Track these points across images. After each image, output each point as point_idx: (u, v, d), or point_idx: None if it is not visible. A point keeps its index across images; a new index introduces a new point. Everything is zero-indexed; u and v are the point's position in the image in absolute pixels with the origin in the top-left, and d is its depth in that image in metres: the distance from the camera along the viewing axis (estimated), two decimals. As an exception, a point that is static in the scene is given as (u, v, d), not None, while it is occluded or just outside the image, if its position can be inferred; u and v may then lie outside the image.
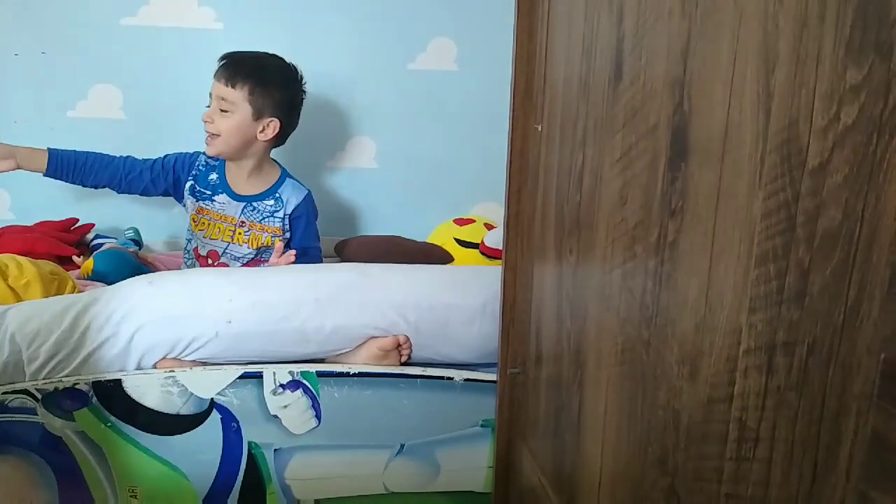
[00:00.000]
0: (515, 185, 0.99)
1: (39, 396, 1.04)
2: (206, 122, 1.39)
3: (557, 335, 0.88)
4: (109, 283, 1.28)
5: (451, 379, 1.13)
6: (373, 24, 1.70)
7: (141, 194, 1.48)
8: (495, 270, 1.24)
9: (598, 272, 0.75)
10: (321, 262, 1.49)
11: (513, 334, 1.04)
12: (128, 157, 1.46)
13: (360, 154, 1.78)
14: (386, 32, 1.71)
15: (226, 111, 1.37)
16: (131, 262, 1.42)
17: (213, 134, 1.38)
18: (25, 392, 1.04)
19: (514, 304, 1.02)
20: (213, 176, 1.45)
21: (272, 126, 1.40)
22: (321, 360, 1.14)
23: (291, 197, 1.46)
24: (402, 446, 1.14)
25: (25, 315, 1.07)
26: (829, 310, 0.42)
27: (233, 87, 1.36)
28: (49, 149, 1.38)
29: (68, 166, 1.39)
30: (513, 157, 0.99)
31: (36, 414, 1.05)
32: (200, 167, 1.46)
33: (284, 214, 1.45)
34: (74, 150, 1.41)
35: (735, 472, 0.52)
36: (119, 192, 1.47)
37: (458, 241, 1.64)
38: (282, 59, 1.45)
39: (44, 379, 1.05)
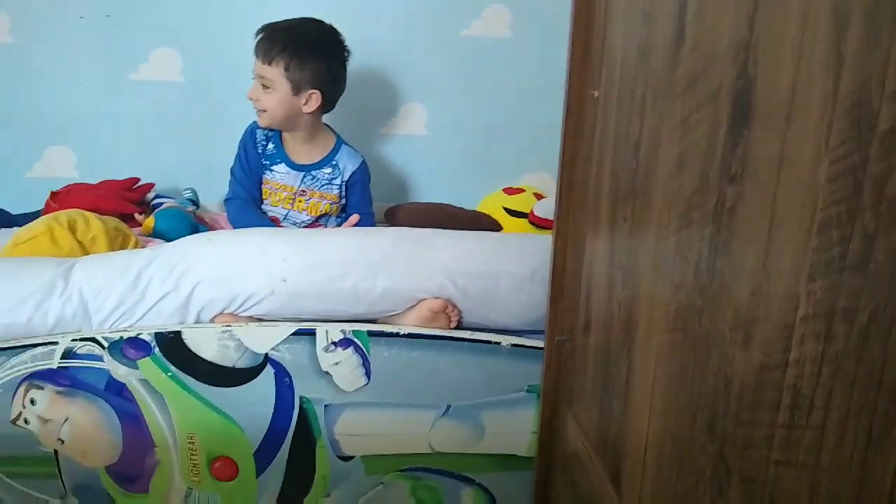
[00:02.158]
0: (570, 152, 0.98)
1: (106, 344, 1.09)
2: (251, 99, 1.40)
3: (608, 303, 0.88)
4: (169, 241, 1.32)
5: (499, 344, 1.14)
6: (427, -11, 1.69)
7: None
8: (545, 238, 1.24)
9: (653, 239, 0.74)
10: (374, 227, 1.51)
11: (561, 302, 1.04)
12: (236, 187, 1.47)
13: (412, 121, 1.79)
14: (440, -2, 1.70)
15: (267, 88, 1.38)
16: (190, 221, 1.46)
17: (261, 110, 1.40)
18: (93, 340, 1.09)
19: (563, 271, 1.02)
20: (271, 146, 1.47)
21: (314, 98, 1.40)
22: (372, 321, 1.17)
23: (348, 164, 1.48)
24: (449, 407, 1.17)
25: (93, 268, 1.13)
26: (894, 276, 0.41)
27: (269, 63, 1.36)
28: None
29: None
30: (568, 124, 0.98)
31: (102, 361, 1.10)
32: (261, 141, 1.47)
33: (342, 181, 1.48)
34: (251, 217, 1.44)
35: (786, 438, 0.52)
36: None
37: (507, 210, 1.64)
38: (319, 23, 1.43)
39: (109, 328, 1.11)
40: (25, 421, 1.11)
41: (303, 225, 1.48)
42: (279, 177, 1.46)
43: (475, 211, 1.67)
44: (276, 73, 1.37)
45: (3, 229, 1.49)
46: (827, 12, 0.47)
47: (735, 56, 0.58)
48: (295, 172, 1.46)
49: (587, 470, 0.96)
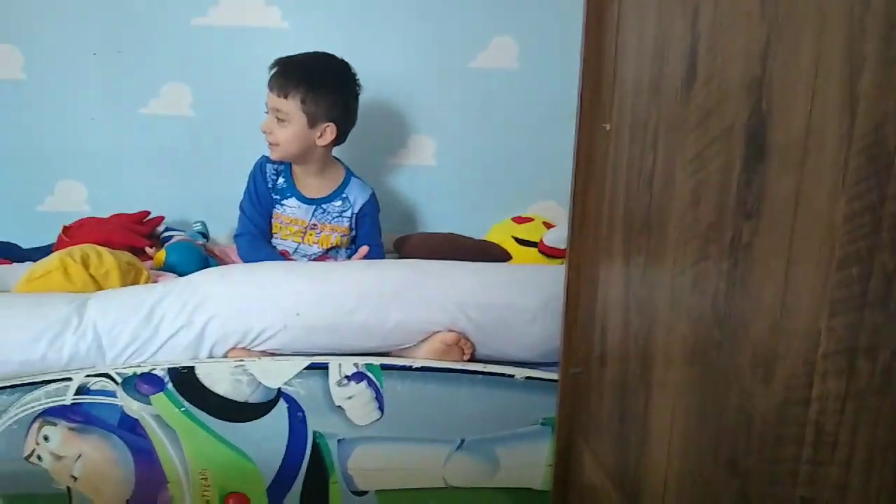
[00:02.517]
0: (581, 183, 0.99)
1: (119, 380, 1.09)
2: (265, 132, 1.41)
3: (623, 335, 0.88)
4: (180, 274, 1.33)
5: (513, 376, 1.14)
6: (435, 22, 1.72)
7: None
8: (557, 269, 1.24)
9: (668, 273, 0.75)
10: (384, 258, 1.52)
11: (575, 334, 1.04)
12: (246, 220, 1.48)
13: (421, 152, 1.80)
14: (447, 31, 1.72)
15: (282, 121, 1.39)
16: (200, 254, 1.47)
17: (273, 143, 1.42)
18: (107, 376, 1.09)
19: (577, 303, 1.03)
20: (281, 180, 1.48)
21: (329, 131, 1.42)
22: (385, 354, 1.17)
23: (358, 197, 1.49)
24: (463, 441, 1.16)
25: (106, 303, 1.13)
26: (917, 315, 0.41)
27: (285, 97, 1.38)
28: None
29: None
30: (579, 157, 0.99)
31: (116, 397, 1.10)
32: (272, 176, 1.49)
33: (352, 214, 1.49)
34: (263, 251, 1.45)
35: (811, 475, 0.51)
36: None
37: (516, 239, 1.65)
38: (332, 57, 1.45)
39: (123, 364, 1.11)
40: (38, 458, 1.11)
41: (313, 257, 1.49)
42: (290, 211, 1.47)
43: (485, 240, 1.68)
44: (292, 107, 1.38)
45: (15, 263, 1.49)
46: (840, 54, 0.48)
47: (748, 93, 0.59)
48: (306, 206, 1.47)
49: (604, 504, 0.95)
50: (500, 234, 1.68)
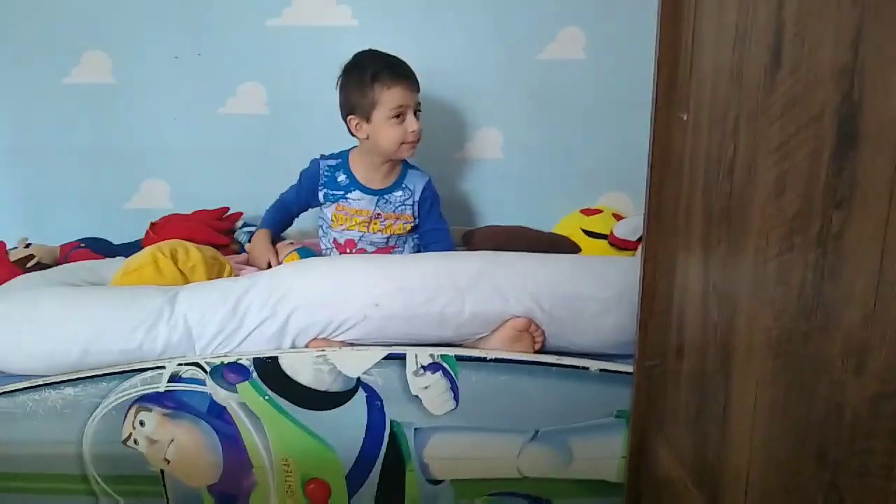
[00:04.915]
0: (657, 174, 0.98)
1: (208, 369, 1.15)
2: (417, 131, 1.45)
3: (703, 327, 0.87)
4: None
5: (587, 369, 1.14)
6: (502, 15, 1.72)
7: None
8: (631, 261, 1.24)
9: (751, 263, 0.74)
10: (452, 242, 1.55)
11: (651, 325, 1.04)
12: (284, 195, 1.62)
13: (488, 145, 1.81)
14: (515, 23, 1.73)
15: (418, 112, 1.47)
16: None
17: (416, 140, 1.47)
18: (197, 365, 1.15)
19: (653, 294, 1.02)
20: (342, 177, 1.52)
21: None
22: (458, 344, 1.19)
23: (417, 184, 1.53)
24: (537, 432, 1.17)
25: (196, 296, 1.19)
26: None
27: (418, 91, 1.46)
28: (267, 228, 1.59)
29: (274, 233, 1.61)
30: (655, 147, 0.98)
31: (205, 385, 1.15)
32: (326, 174, 1.53)
33: (413, 201, 1.52)
34: (270, 214, 1.61)
35: (908, 468, 0.51)
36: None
37: (585, 231, 1.64)
38: None
39: (211, 354, 1.16)
40: (135, 442, 1.17)
41: (377, 245, 1.52)
42: (354, 203, 1.51)
43: (553, 233, 1.68)
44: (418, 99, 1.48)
45: (107, 258, 1.58)
46: (941, 37, 0.47)
47: (839, 80, 0.58)
48: (369, 197, 1.51)
49: (682, 497, 0.94)
50: (569, 227, 1.68)
